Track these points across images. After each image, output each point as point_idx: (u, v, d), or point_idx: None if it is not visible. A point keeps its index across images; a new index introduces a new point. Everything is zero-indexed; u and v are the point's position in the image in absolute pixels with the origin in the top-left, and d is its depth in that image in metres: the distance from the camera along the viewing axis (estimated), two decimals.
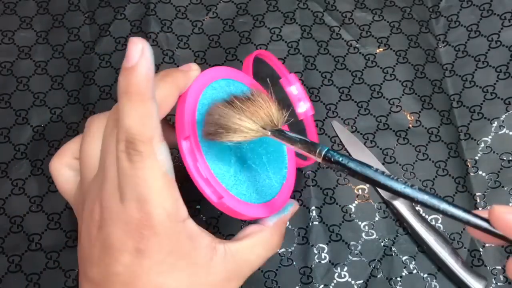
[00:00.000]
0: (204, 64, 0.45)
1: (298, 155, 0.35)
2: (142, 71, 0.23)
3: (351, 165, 0.26)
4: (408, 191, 0.25)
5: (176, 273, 0.25)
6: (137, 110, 0.24)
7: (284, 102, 0.35)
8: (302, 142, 0.28)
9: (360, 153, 0.42)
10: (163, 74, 0.27)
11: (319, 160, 0.27)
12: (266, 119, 0.28)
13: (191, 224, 0.26)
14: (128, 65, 0.23)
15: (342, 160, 0.26)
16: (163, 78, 0.27)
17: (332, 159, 0.26)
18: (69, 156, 0.29)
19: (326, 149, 0.27)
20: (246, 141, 0.28)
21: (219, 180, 0.27)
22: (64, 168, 0.29)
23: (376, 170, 0.25)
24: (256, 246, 0.28)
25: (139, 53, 0.24)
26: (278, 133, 0.28)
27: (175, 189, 0.25)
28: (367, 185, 0.41)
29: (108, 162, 0.25)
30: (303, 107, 0.38)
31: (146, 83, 0.24)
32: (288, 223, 0.32)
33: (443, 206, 0.24)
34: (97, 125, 0.27)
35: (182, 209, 0.26)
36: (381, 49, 0.46)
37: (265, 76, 0.35)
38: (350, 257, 0.39)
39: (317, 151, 0.27)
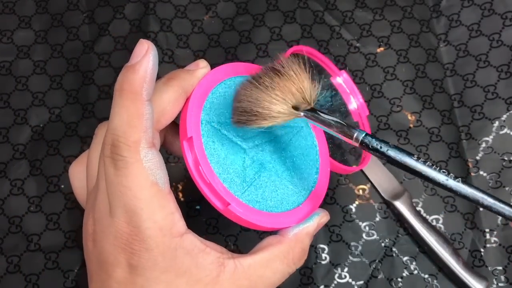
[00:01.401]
0: None
1: (337, 158, 0.33)
2: (140, 70, 0.23)
3: (391, 153, 0.24)
4: (451, 183, 0.23)
5: None
6: (127, 109, 0.22)
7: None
8: (337, 124, 0.25)
9: None
10: (167, 77, 0.26)
11: (356, 145, 0.25)
12: (298, 95, 0.26)
13: (191, 238, 0.24)
14: (130, 63, 0.23)
15: (381, 147, 0.24)
16: (168, 82, 0.25)
17: (370, 146, 0.24)
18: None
19: (363, 134, 0.25)
20: (277, 125, 0.26)
21: (225, 185, 0.25)
22: (81, 174, 0.28)
23: (418, 159, 0.24)
24: (273, 260, 0.25)
25: (143, 53, 0.23)
26: (311, 114, 0.26)
27: (169, 201, 0.23)
28: (368, 185, 0.41)
29: (100, 170, 0.24)
30: (354, 103, 0.35)
31: (141, 83, 0.23)
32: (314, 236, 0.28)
33: (488, 201, 0.23)
34: (102, 132, 0.26)
35: (179, 224, 0.24)
36: (381, 49, 0.46)
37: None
38: (350, 257, 0.39)
39: (354, 135, 0.25)
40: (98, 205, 0.24)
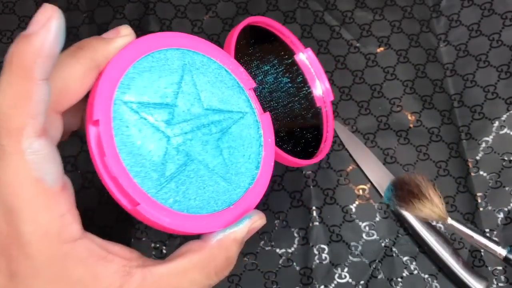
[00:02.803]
0: None
1: (288, 149, 0.29)
2: (35, 42, 0.18)
3: None
4: None
5: None
6: (13, 87, 0.18)
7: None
8: (478, 237, 0.30)
9: (361, 153, 0.42)
10: (75, 46, 0.21)
11: (500, 258, 0.29)
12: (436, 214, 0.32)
13: (87, 244, 0.20)
14: (25, 32, 0.19)
15: None
16: (74, 53, 0.21)
17: None
18: None
19: (507, 250, 0.28)
20: (424, 217, 0.32)
21: (136, 181, 0.21)
22: None
23: None
24: (190, 270, 0.22)
25: (43, 21, 0.19)
26: (457, 223, 0.32)
27: (59, 201, 0.20)
28: (368, 185, 0.41)
29: None
30: (319, 88, 0.32)
31: (34, 57, 0.18)
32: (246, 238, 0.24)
33: None
34: None
35: (71, 227, 0.20)
36: (381, 49, 0.46)
37: (262, 46, 0.30)
38: (350, 257, 0.39)
39: (498, 252, 0.28)
40: None
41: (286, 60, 0.31)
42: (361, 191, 0.41)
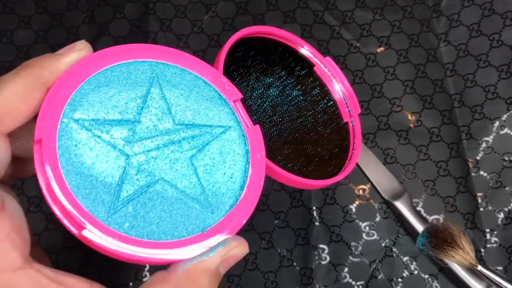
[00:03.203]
0: None
1: (295, 167, 0.26)
2: None
3: None
4: None
5: None
6: None
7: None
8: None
9: (361, 153, 0.42)
10: (21, 65, 0.20)
11: None
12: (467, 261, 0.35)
13: (32, 274, 0.18)
14: None
15: None
16: (18, 71, 0.19)
17: None
18: None
19: None
20: (455, 263, 0.36)
21: (84, 204, 0.19)
22: None
23: None
24: None
25: None
26: (486, 270, 0.35)
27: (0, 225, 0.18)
28: (368, 186, 0.41)
29: None
30: (343, 100, 0.28)
31: None
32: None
33: None
34: None
35: (11, 255, 0.18)
36: (382, 49, 0.46)
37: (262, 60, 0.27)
38: (350, 258, 0.39)
39: None
40: None
41: (298, 70, 0.28)
42: (361, 191, 0.41)
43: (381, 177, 0.41)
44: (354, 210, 0.41)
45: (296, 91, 0.27)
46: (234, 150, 0.23)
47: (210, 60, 0.45)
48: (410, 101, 0.44)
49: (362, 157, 0.42)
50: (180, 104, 0.22)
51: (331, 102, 0.29)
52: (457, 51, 0.45)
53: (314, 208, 0.40)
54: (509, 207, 0.40)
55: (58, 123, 0.19)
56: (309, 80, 0.28)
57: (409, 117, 0.43)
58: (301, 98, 0.27)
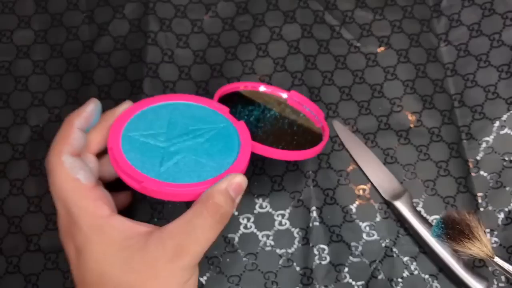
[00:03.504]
0: (204, 63, 0.45)
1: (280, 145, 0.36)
2: (77, 111, 0.32)
3: None
4: None
5: (109, 258, 0.29)
6: (62, 130, 0.32)
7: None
8: None
9: (361, 153, 0.42)
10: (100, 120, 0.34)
11: None
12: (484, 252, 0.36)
13: (119, 218, 0.30)
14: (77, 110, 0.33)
15: None
16: (97, 125, 0.33)
17: None
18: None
19: None
20: (471, 254, 0.36)
21: (142, 171, 0.31)
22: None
23: None
24: (191, 218, 0.29)
25: (86, 104, 0.33)
26: (502, 261, 0.36)
27: (92, 191, 0.30)
28: (368, 185, 0.41)
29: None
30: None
31: (75, 117, 0.32)
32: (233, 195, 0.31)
33: None
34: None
35: (103, 207, 0.30)
36: (382, 48, 0.46)
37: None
38: (351, 258, 0.39)
39: None
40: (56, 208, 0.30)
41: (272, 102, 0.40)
42: (361, 191, 0.41)
43: (381, 177, 0.41)
44: (354, 210, 0.41)
45: (273, 111, 0.39)
46: (229, 134, 0.35)
47: (210, 59, 0.45)
48: (410, 101, 0.44)
49: (362, 157, 0.42)
50: (190, 118, 0.35)
51: (302, 114, 0.40)
52: (458, 51, 0.45)
53: (314, 208, 0.40)
54: (509, 207, 0.40)
55: (121, 136, 0.32)
56: (281, 105, 0.40)
57: (409, 117, 0.43)
58: (277, 114, 0.39)
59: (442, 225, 0.37)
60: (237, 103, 0.39)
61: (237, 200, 0.31)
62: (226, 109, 0.36)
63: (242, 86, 0.41)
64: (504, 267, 0.36)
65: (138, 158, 0.31)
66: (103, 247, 0.29)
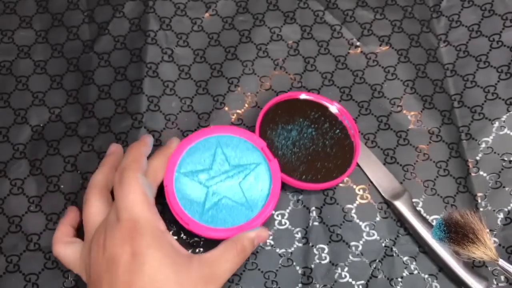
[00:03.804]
0: (204, 62, 0.45)
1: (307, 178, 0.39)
2: (143, 143, 0.38)
3: None
4: None
5: (163, 268, 0.32)
6: (132, 154, 0.36)
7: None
8: None
9: (361, 153, 0.42)
10: (156, 152, 0.38)
11: None
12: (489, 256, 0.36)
13: (170, 236, 0.34)
14: (142, 140, 0.38)
15: None
16: (156, 154, 0.38)
17: None
18: (65, 236, 0.36)
19: None
20: (474, 258, 0.36)
21: (187, 213, 0.37)
22: (67, 249, 0.36)
23: None
24: (223, 253, 0.35)
25: (144, 139, 0.38)
26: (507, 264, 0.36)
27: (154, 207, 0.34)
28: (368, 185, 0.41)
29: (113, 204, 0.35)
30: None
31: (145, 149, 0.37)
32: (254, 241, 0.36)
33: None
34: (93, 194, 0.36)
35: (161, 222, 0.34)
36: (382, 48, 0.46)
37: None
38: (350, 257, 0.39)
39: None
40: (109, 220, 0.33)
41: (313, 115, 0.42)
42: (361, 191, 0.41)
43: (381, 177, 0.41)
44: (354, 210, 0.41)
45: (311, 129, 0.41)
46: (263, 174, 0.39)
47: (210, 58, 0.45)
48: (410, 101, 0.44)
49: (362, 157, 0.42)
50: (232, 155, 0.39)
51: (338, 131, 0.41)
52: (457, 52, 0.45)
53: (313, 208, 0.40)
54: (509, 207, 0.40)
55: (174, 175, 0.38)
56: (321, 119, 0.42)
57: (409, 117, 0.43)
58: (314, 132, 0.41)
59: (444, 228, 0.37)
60: (277, 123, 0.41)
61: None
62: (263, 143, 0.39)
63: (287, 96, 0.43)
64: (510, 270, 0.36)
65: (186, 198, 0.37)
66: (160, 256, 0.32)
